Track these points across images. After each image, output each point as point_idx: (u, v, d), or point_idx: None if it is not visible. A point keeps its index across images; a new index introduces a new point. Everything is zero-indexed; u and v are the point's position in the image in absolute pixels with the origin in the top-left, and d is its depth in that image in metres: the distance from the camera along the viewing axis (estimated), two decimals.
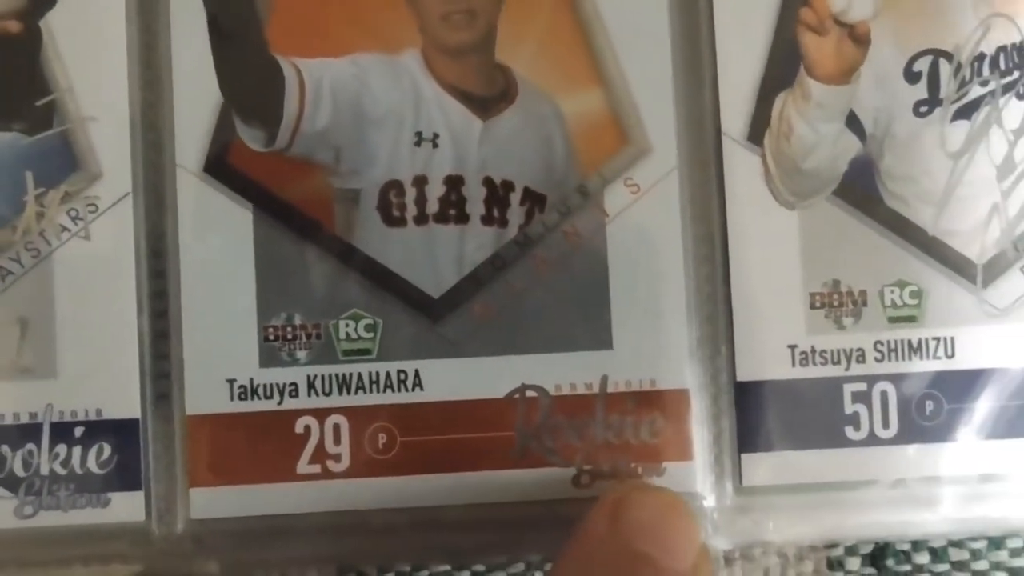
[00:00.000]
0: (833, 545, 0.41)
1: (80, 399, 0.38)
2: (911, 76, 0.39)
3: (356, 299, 0.39)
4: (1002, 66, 0.39)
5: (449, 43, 0.40)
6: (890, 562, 0.41)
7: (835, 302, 0.39)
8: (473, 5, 0.40)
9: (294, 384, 0.39)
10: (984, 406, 0.39)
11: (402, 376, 0.39)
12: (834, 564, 0.41)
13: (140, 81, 0.39)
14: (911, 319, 0.39)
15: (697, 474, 0.39)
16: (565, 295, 0.39)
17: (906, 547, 0.41)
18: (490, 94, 0.40)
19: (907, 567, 0.41)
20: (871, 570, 0.41)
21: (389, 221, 0.39)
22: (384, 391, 0.39)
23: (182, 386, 0.39)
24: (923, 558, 0.41)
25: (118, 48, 0.39)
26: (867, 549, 0.41)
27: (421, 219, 0.39)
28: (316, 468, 0.39)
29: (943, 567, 0.41)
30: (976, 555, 0.41)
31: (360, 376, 0.39)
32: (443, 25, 0.40)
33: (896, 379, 0.39)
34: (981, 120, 0.39)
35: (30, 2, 0.39)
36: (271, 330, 0.39)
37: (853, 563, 0.41)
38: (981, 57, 0.39)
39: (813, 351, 0.39)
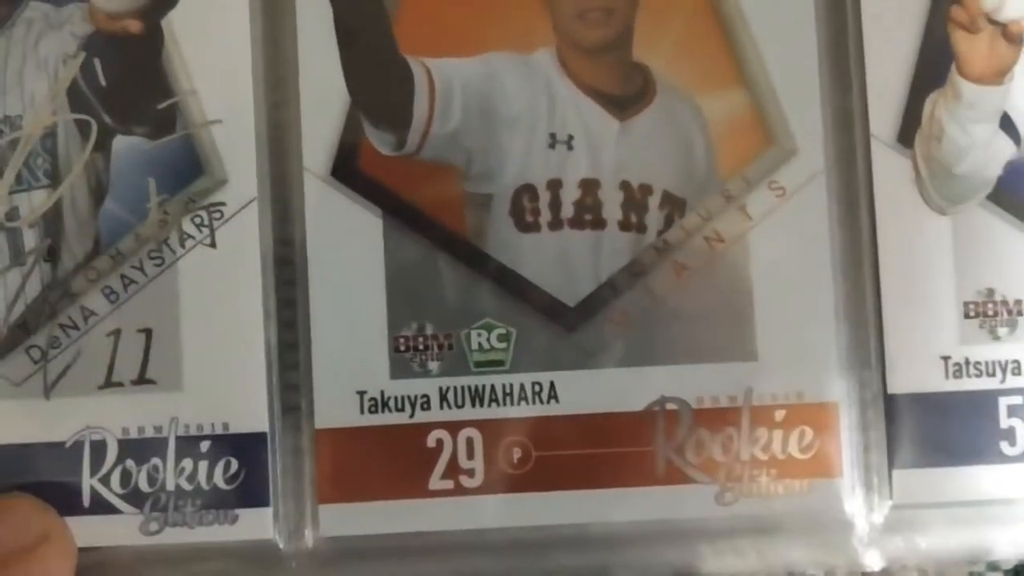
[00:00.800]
0: (974, 561, 0.39)
1: (206, 412, 0.37)
2: None
3: (488, 308, 0.38)
4: None
5: (585, 41, 0.38)
6: None
7: (990, 311, 0.37)
8: (610, 2, 0.38)
9: (426, 396, 0.37)
10: None
11: (537, 388, 0.38)
12: None
13: (265, 83, 0.38)
14: None
15: (845, 490, 0.37)
16: (707, 303, 0.38)
17: None
18: (627, 94, 0.38)
19: None
20: None
21: (522, 227, 0.38)
22: (518, 403, 0.37)
23: (311, 399, 0.37)
24: None
25: (242, 48, 0.38)
26: (1009, 565, 0.39)
27: (555, 224, 0.38)
28: (449, 484, 0.37)
29: None
30: None
31: (493, 388, 0.37)
32: (579, 23, 0.38)
33: None
34: None
35: (151, 1, 0.38)
36: (402, 340, 0.37)
37: None
38: None
39: (967, 362, 0.37)
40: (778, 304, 0.37)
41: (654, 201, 0.38)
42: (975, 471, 0.37)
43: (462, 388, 0.37)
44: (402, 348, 0.38)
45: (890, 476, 0.37)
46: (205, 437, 0.37)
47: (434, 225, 0.38)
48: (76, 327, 0.37)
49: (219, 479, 0.37)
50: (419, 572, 0.37)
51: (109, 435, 0.37)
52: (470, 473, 0.37)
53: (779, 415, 0.37)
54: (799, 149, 0.38)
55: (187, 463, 0.37)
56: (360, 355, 0.37)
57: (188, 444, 0.37)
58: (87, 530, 0.37)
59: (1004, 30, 0.38)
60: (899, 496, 0.37)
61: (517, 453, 0.37)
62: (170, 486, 0.37)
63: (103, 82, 0.38)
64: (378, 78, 0.38)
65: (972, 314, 0.37)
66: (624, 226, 0.38)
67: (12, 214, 0.38)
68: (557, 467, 0.37)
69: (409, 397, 0.37)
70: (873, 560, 0.37)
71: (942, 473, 0.37)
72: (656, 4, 0.38)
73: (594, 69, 0.38)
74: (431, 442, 0.37)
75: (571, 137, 0.38)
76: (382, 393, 0.37)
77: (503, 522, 0.37)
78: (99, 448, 0.37)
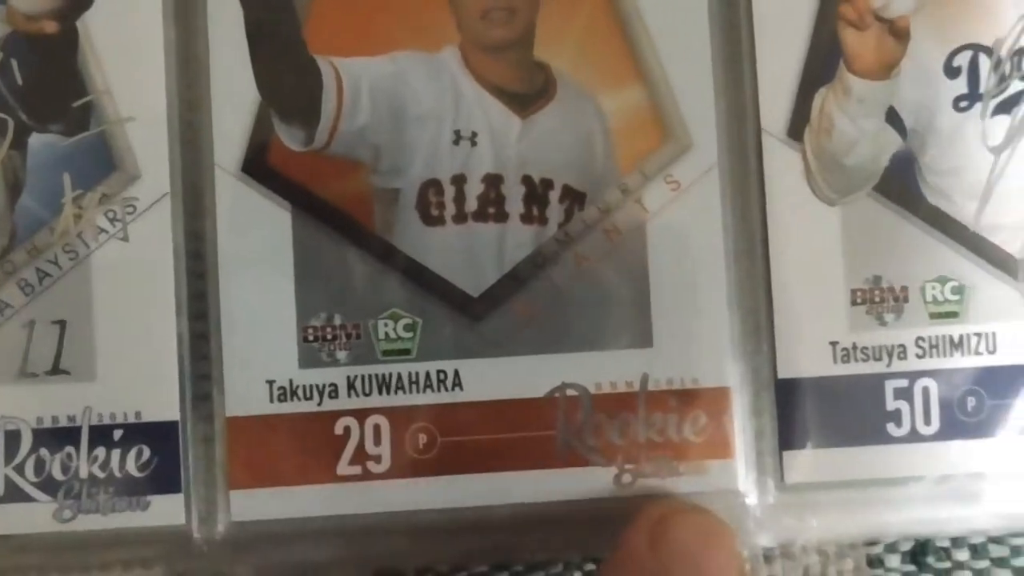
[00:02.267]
0: (873, 542, 0.40)
1: (119, 402, 0.38)
2: (951, 71, 0.39)
3: (395, 299, 0.39)
4: None
5: (488, 40, 0.40)
6: (930, 559, 0.40)
7: (877, 298, 0.39)
8: (512, 2, 0.39)
9: (334, 385, 0.39)
10: None
11: (442, 376, 0.39)
12: (874, 561, 0.40)
13: (178, 81, 0.39)
14: (953, 315, 0.39)
15: (739, 472, 0.39)
16: (605, 293, 0.39)
17: (946, 544, 0.41)
18: (529, 91, 0.40)
19: (947, 564, 0.41)
20: (911, 567, 0.41)
21: (428, 220, 0.39)
22: (424, 391, 0.39)
23: (222, 388, 0.38)
24: (963, 555, 0.41)
25: (155, 48, 0.39)
26: (907, 546, 0.41)
27: (460, 218, 0.39)
28: (356, 469, 0.38)
29: (983, 563, 0.40)
30: (1016, 551, 0.41)
31: (400, 376, 0.39)
32: (482, 22, 0.39)
33: (938, 375, 0.39)
34: (1022, 114, 0.39)
35: (66, 3, 0.39)
36: (310, 330, 0.39)
37: (893, 560, 0.41)
38: (1021, 52, 0.39)
39: (855, 348, 0.39)
40: (673, 293, 0.39)
41: (555, 195, 0.39)
42: (863, 452, 0.39)
43: (369, 376, 0.39)
44: (311, 338, 0.39)
45: (780, 458, 0.39)
46: (118, 426, 0.38)
47: (343, 219, 0.39)
48: None
49: (131, 467, 0.38)
50: (329, 556, 0.39)
51: (23, 424, 0.38)
52: (377, 459, 0.38)
53: (674, 400, 0.39)
54: (694, 144, 0.39)
55: (100, 451, 0.38)
56: (270, 345, 0.39)
57: (101, 433, 0.38)
58: (1, 518, 0.38)
59: (891, 26, 0.39)
60: (790, 476, 0.39)
61: (423, 439, 0.39)
62: (83, 474, 0.38)
63: (20, 81, 0.39)
64: (288, 76, 0.39)
65: (859, 301, 0.39)
66: (526, 219, 0.39)
67: None
68: (461, 452, 0.39)
69: (317, 386, 0.39)
70: (766, 539, 0.39)
71: (831, 454, 0.39)
72: (557, 4, 0.39)
73: (497, 67, 0.40)
74: (339, 429, 0.38)
75: (475, 134, 0.39)
76: (291, 382, 0.38)
77: (409, 505, 0.38)
78: (13, 437, 0.38)
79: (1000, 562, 0.41)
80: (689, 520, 0.35)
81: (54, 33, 0.39)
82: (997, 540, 0.41)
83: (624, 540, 0.34)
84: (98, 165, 0.39)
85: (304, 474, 0.38)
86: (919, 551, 0.41)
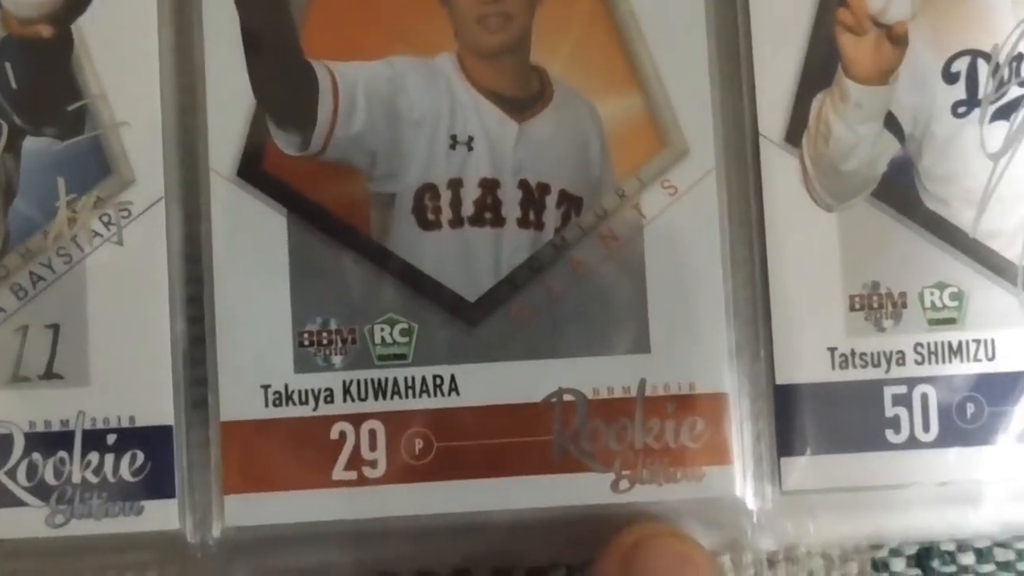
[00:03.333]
0: (878, 546, 0.40)
1: (113, 406, 0.38)
2: (949, 76, 0.39)
3: (391, 303, 0.39)
4: None
5: (484, 46, 0.39)
6: (935, 563, 0.40)
7: (875, 304, 0.39)
8: (508, 8, 0.39)
9: (329, 390, 0.38)
10: None
11: (438, 381, 0.39)
12: (879, 565, 0.40)
13: (173, 86, 0.39)
14: (951, 321, 0.39)
15: (736, 478, 0.38)
16: (602, 298, 0.39)
17: (951, 548, 0.40)
18: (525, 96, 0.39)
19: (952, 568, 0.40)
20: (916, 571, 0.40)
21: (424, 224, 0.39)
22: (420, 396, 0.38)
23: (217, 392, 0.38)
24: (968, 559, 0.40)
25: (150, 53, 0.39)
26: (912, 550, 0.40)
27: (456, 222, 0.39)
28: (352, 475, 0.38)
29: (988, 568, 0.40)
30: (1022, 555, 0.40)
31: (396, 381, 0.38)
32: (478, 28, 0.39)
33: (937, 382, 0.39)
34: (1020, 120, 0.39)
35: (61, 7, 0.39)
36: (306, 335, 0.38)
37: (898, 564, 0.40)
38: (1019, 57, 0.39)
39: (853, 354, 0.39)
40: (670, 299, 0.39)
41: (552, 200, 0.39)
42: (861, 458, 0.38)
43: (365, 381, 0.38)
44: (306, 343, 0.38)
45: (779, 464, 0.38)
46: (111, 431, 0.38)
47: (338, 223, 0.39)
48: None
49: (125, 472, 0.38)
50: (325, 560, 0.38)
51: (16, 428, 0.38)
52: (372, 464, 0.38)
53: (671, 406, 0.38)
54: (691, 149, 0.39)
55: (93, 456, 0.38)
56: (265, 350, 0.38)
57: (94, 437, 0.38)
58: None
59: (889, 32, 0.39)
60: (788, 483, 0.38)
61: (419, 444, 0.38)
62: (76, 479, 0.38)
63: (14, 85, 0.39)
64: (283, 81, 0.39)
65: (858, 307, 0.39)
66: (523, 224, 0.39)
67: None
68: (458, 457, 0.38)
69: (312, 391, 0.38)
70: (765, 544, 0.39)
71: (829, 460, 0.38)
72: (553, 10, 0.39)
73: (493, 72, 0.40)
74: (334, 434, 0.38)
75: (471, 138, 0.39)
76: (286, 387, 0.38)
77: (406, 510, 0.38)
78: (6, 441, 0.38)
79: (1005, 566, 0.40)
80: (662, 545, 0.34)
81: (49, 37, 0.39)
82: (1002, 544, 0.40)
83: (596, 569, 0.34)
84: (93, 169, 0.39)
85: (299, 479, 0.38)
86: (924, 555, 0.40)
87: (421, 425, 0.38)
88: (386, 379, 0.38)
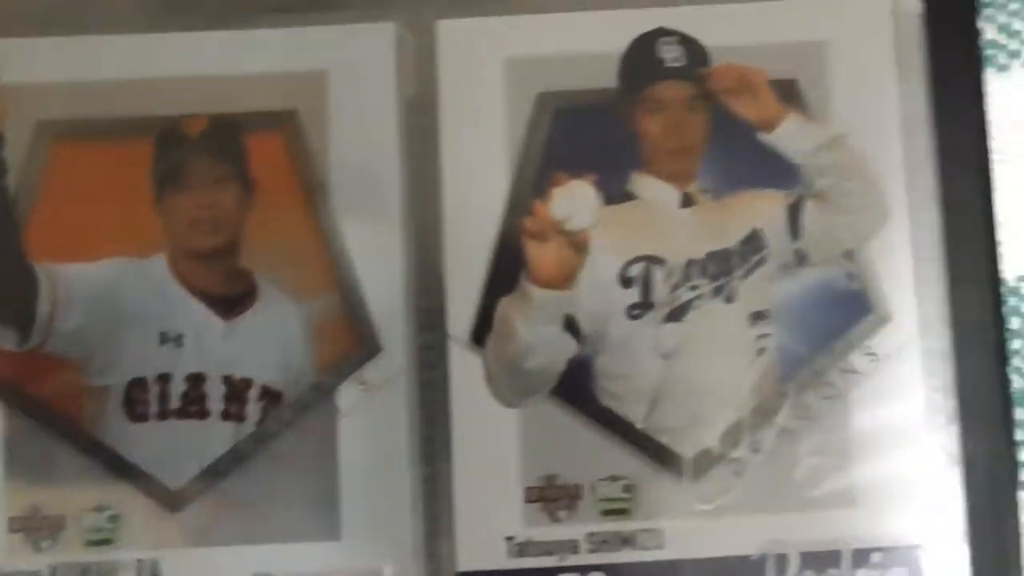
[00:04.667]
0: None
1: None
2: (625, 281, 0.42)
3: (100, 492, 0.41)
4: (712, 271, 0.42)
5: (195, 248, 0.42)
6: None
7: (551, 496, 0.41)
8: (217, 215, 0.42)
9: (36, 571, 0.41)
10: None
11: (142, 566, 0.41)
12: None
13: None
14: (623, 512, 0.41)
15: None
16: (298, 488, 0.41)
17: None
18: (233, 296, 0.42)
19: None
20: None
21: (133, 417, 0.42)
22: None
23: None
24: None
25: None
26: None
27: (163, 415, 0.42)
28: None
29: None
30: None
31: (100, 565, 0.41)
32: (190, 231, 0.42)
33: (608, 569, 0.41)
34: (691, 322, 0.42)
35: None
36: (17, 521, 0.41)
37: None
38: (691, 263, 0.42)
39: (529, 542, 0.41)
40: (361, 489, 0.41)
41: (254, 393, 0.42)
42: None
43: (72, 566, 0.41)
44: (17, 528, 0.41)
45: None
46: None
47: (52, 416, 0.42)
48: None
49: None
50: None
51: None
52: None
53: None
54: (384, 348, 0.42)
55: None
56: None
57: None
58: None
59: (571, 239, 0.42)
60: None
61: None
62: None
63: None
64: (5, 281, 0.42)
65: (535, 498, 0.41)
66: (226, 416, 0.42)
67: None
68: None
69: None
70: None
71: None
72: (263, 217, 0.42)
73: (204, 273, 0.43)
74: None
75: (180, 335, 0.42)
76: None
77: None
78: None
79: None
80: None
81: None
82: None
83: None
84: None
85: None
86: None
87: None
88: (90, 564, 0.41)
